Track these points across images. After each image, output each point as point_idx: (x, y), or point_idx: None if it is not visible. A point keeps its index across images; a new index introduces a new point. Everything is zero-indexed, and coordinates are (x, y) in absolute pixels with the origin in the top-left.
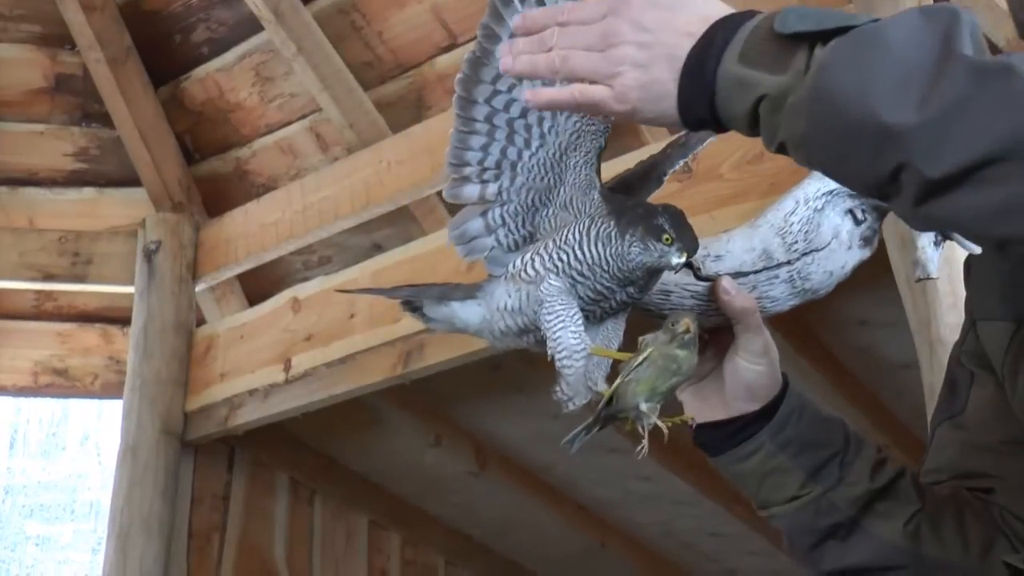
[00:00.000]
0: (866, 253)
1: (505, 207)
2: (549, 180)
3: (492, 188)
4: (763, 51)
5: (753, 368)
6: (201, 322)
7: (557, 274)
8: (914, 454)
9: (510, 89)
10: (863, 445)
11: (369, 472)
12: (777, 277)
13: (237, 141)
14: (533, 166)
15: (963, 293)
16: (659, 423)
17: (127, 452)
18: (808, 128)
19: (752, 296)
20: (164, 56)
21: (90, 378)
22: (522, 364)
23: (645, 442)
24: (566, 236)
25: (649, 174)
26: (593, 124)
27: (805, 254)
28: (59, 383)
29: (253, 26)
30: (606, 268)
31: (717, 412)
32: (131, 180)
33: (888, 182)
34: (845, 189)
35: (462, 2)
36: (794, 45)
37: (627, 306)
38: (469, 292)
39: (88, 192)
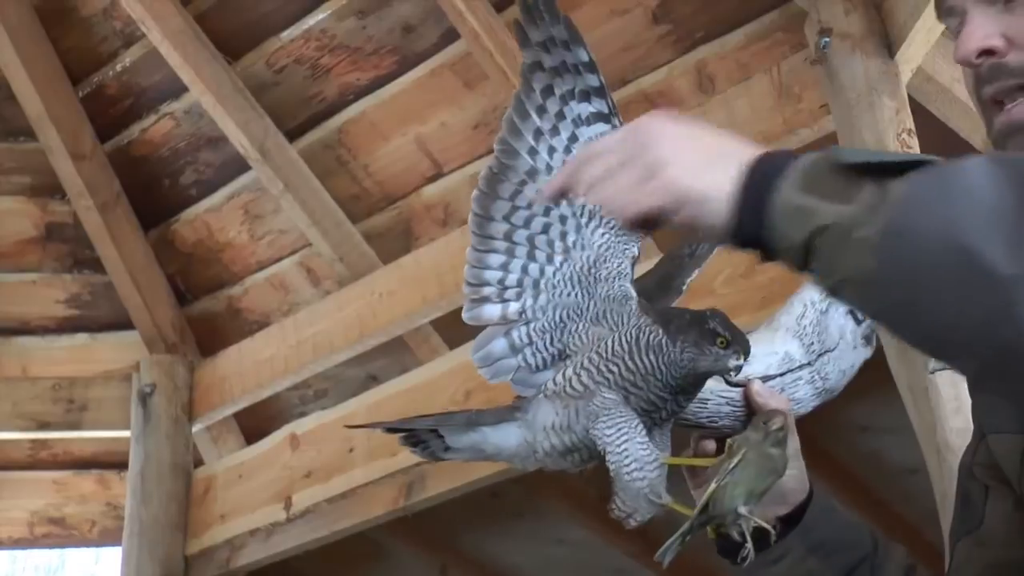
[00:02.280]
0: (868, 352)
1: (531, 325)
2: (577, 295)
3: (514, 307)
4: (825, 180)
5: (788, 471)
6: (199, 463)
7: (609, 387)
8: (927, 559)
9: (530, 205)
10: (892, 549)
11: None
12: (800, 379)
13: (229, 279)
14: (558, 282)
15: (966, 397)
16: (763, 524)
17: None
18: (879, 265)
19: (784, 397)
20: (153, 200)
21: (87, 525)
22: (521, 490)
23: (749, 545)
24: (612, 348)
25: (668, 284)
26: (624, 234)
27: (821, 354)
28: (56, 532)
29: (240, 166)
30: (659, 377)
31: None
32: (124, 324)
33: (966, 332)
34: None
35: (446, 132)
36: (859, 177)
37: (673, 415)
38: (503, 415)
39: (81, 338)
